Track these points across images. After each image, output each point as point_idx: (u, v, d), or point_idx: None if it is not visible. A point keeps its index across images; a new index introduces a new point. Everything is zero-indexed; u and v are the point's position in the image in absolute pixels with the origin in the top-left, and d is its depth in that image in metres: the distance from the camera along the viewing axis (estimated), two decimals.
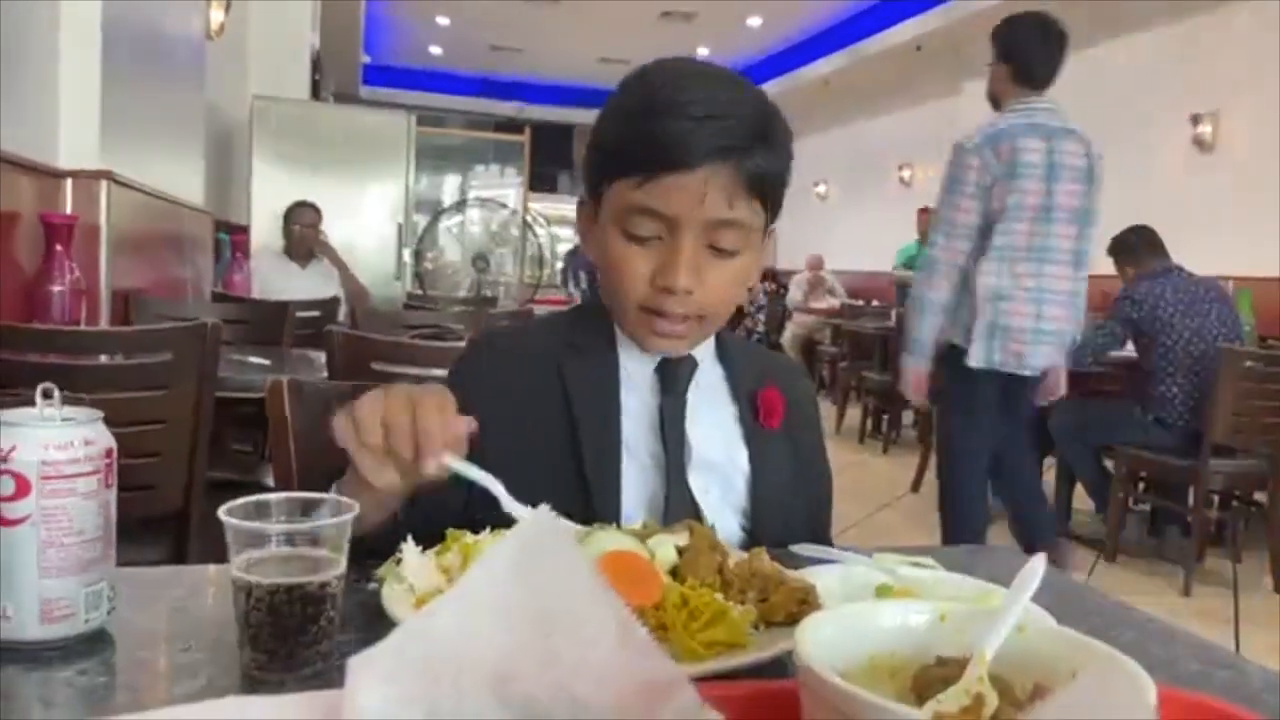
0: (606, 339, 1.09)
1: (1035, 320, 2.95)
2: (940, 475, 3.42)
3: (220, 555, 0.71)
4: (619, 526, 0.89)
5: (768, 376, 1.15)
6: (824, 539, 1.17)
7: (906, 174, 10.71)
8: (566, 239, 12.37)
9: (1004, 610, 0.57)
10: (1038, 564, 0.61)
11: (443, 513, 0.97)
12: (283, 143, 5.94)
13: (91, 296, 2.98)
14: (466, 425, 0.82)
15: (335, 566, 0.69)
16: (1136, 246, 4.16)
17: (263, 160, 5.89)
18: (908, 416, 6.75)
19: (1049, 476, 4.70)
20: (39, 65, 2.86)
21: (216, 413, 2.04)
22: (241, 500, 0.70)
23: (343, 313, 4.33)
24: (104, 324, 3.09)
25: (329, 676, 0.67)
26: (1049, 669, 0.54)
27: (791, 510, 1.13)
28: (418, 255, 7.31)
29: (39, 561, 0.69)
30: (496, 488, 0.82)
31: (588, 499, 1.00)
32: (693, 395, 1.08)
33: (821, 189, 12.47)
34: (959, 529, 3.25)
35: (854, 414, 7.12)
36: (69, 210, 2.97)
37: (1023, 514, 3.34)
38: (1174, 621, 0.92)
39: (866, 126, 11.47)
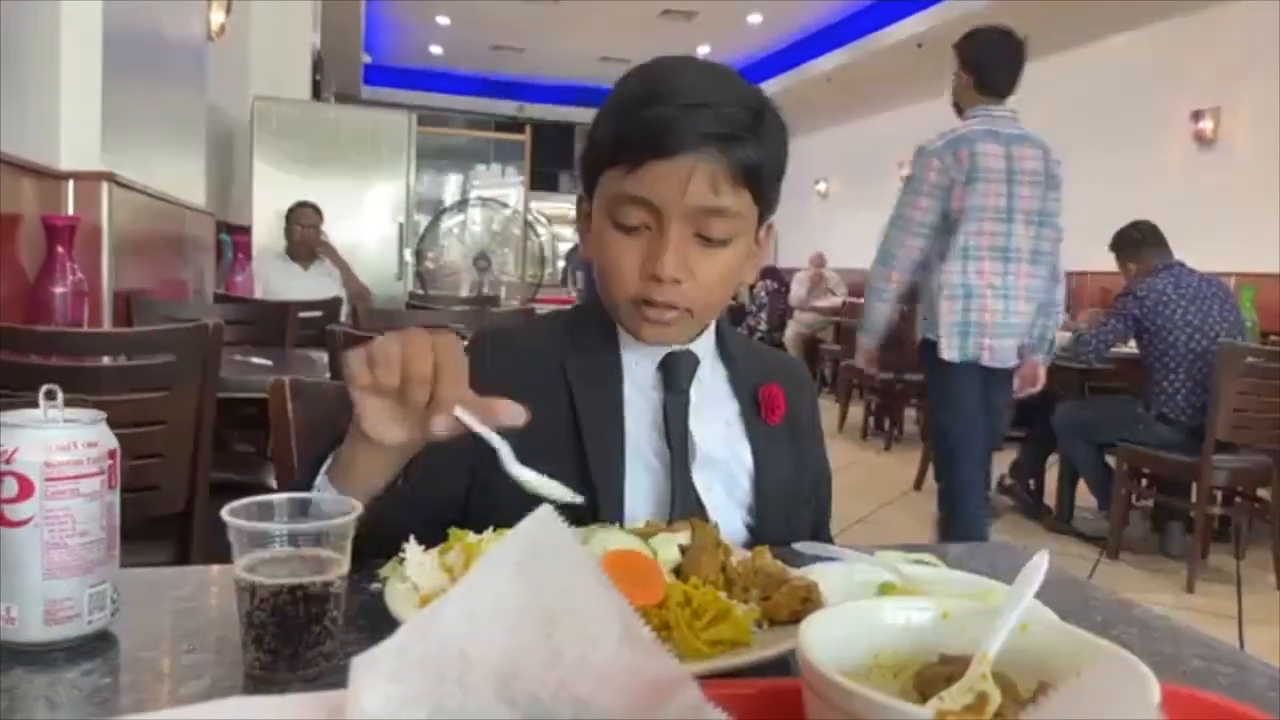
0: (609, 336, 1.09)
1: (1003, 315, 3.13)
2: (937, 473, 3.46)
3: (223, 556, 0.71)
4: (621, 525, 0.90)
5: (769, 373, 1.16)
6: (825, 537, 1.17)
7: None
8: (568, 238, 12.36)
9: (1007, 607, 0.57)
10: (1041, 561, 0.61)
11: (443, 499, 0.97)
12: (284, 143, 5.94)
13: (93, 298, 2.98)
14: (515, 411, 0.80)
15: (338, 566, 0.69)
16: (1139, 242, 4.16)
17: (264, 161, 5.89)
18: (910, 414, 6.76)
19: (1052, 474, 4.71)
20: (40, 67, 2.87)
21: (219, 413, 2.04)
22: (244, 501, 0.70)
23: (345, 313, 4.33)
24: (106, 325, 3.09)
25: (333, 676, 0.67)
26: (1052, 666, 0.54)
27: (795, 506, 1.13)
28: (419, 255, 7.31)
29: (43, 563, 0.69)
30: (503, 449, 0.81)
31: (591, 496, 1.00)
32: (695, 392, 1.08)
33: (823, 187, 12.47)
34: (963, 523, 3.29)
35: (856, 412, 7.12)
36: (70, 212, 2.97)
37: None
38: (1177, 618, 0.92)
39: (868, 124, 11.46)
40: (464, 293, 7.37)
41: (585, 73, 13.54)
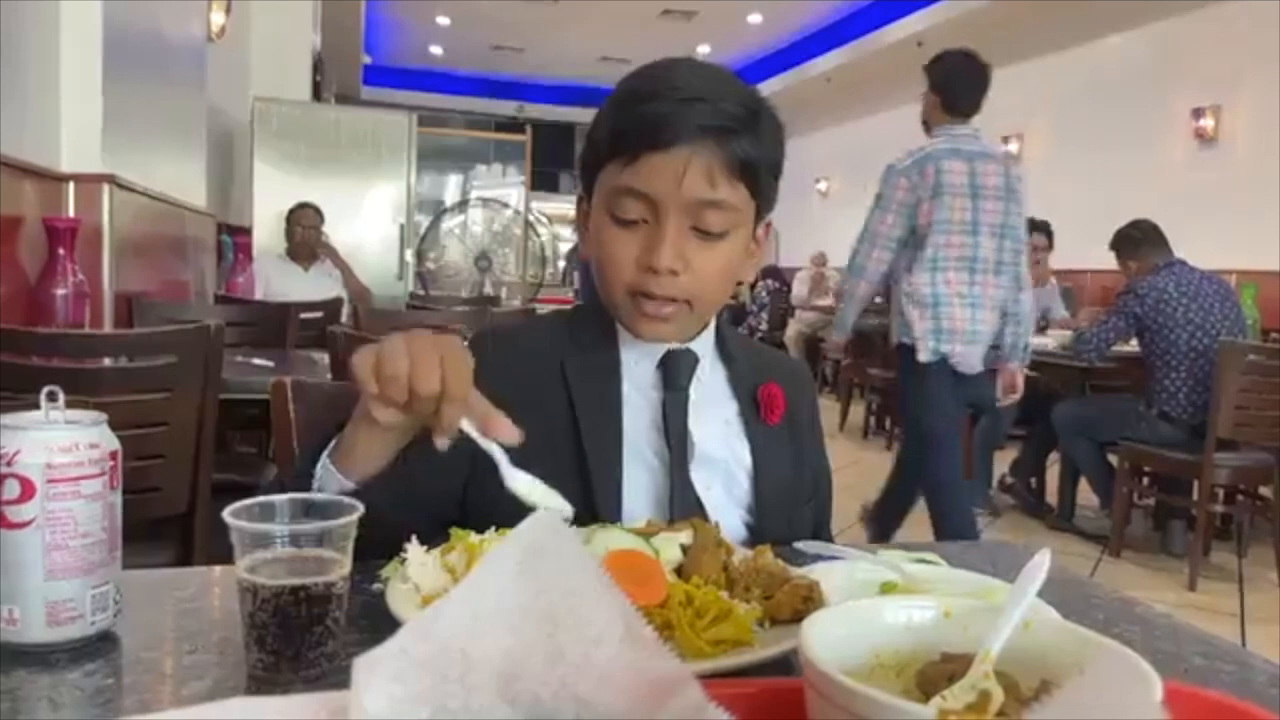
0: (608, 336, 1.09)
1: (970, 323, 3.31)
2: (922, 472, 3.52)
3: (225, 556, 0.71)
4: (620, 525, 0.90)
5: (769, 373, 1.16)
6: (826, 536, 1.17)
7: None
8: (568, 238, 12.37)
9: (1009, 606, 0.57)
10: (1042, 559, 0.61)
11: (441, 490, 0.97)
12: (284, 144, 5.94)
13: (94, 299, 2.98)
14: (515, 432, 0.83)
15: (340, 567, 0.69)
16: (1139, 241, 4.15)
17: (264, 162, 5.89)
18: None
19: (1053, 472, 4.71)
20: (40, 69, 2.87)
21: (220, 414, 2.04)
22: (246, 502, 0.70)
23: (346, 313, 4.33)
24: (107, 327, 3.09)
25: (335, 677, 0.67)
26: (1055, 665, 0.54)
27: (794, 505, 1.14)
28: (420, 255, 7.31)
29: (45, 564, 0.69)
30: (500, 458, 0.82)
31: (589, 494, 1.00)
32: (694, 391, 1.08)
33: (823, 186, 12.47)
34: (950, 518, 3.40)
35: (857, 411, 7.11)
36: (71, 214, 2.97)
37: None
38: (1179, 616, 0.92)
39: (868, 123, 11.45)
40: (465, 293, 7.38)
41: (585, 73, 13.54)
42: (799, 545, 0.94)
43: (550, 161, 14.05)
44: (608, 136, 1.01)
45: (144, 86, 3.63)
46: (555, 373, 1.06)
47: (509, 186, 9.65)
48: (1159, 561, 4.08)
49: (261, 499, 0.71)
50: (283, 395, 1.26)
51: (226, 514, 0.68)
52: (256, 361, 2.69)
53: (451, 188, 10.23)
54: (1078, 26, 8.10)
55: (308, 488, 0.89)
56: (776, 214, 1.14)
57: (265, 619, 0.66)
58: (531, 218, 8.94)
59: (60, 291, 2.75)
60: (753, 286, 10.11)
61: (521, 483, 0.82)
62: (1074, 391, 4.64)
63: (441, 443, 0.81)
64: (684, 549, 0.82)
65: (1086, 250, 5.26)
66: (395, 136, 6.30)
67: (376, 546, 0.84)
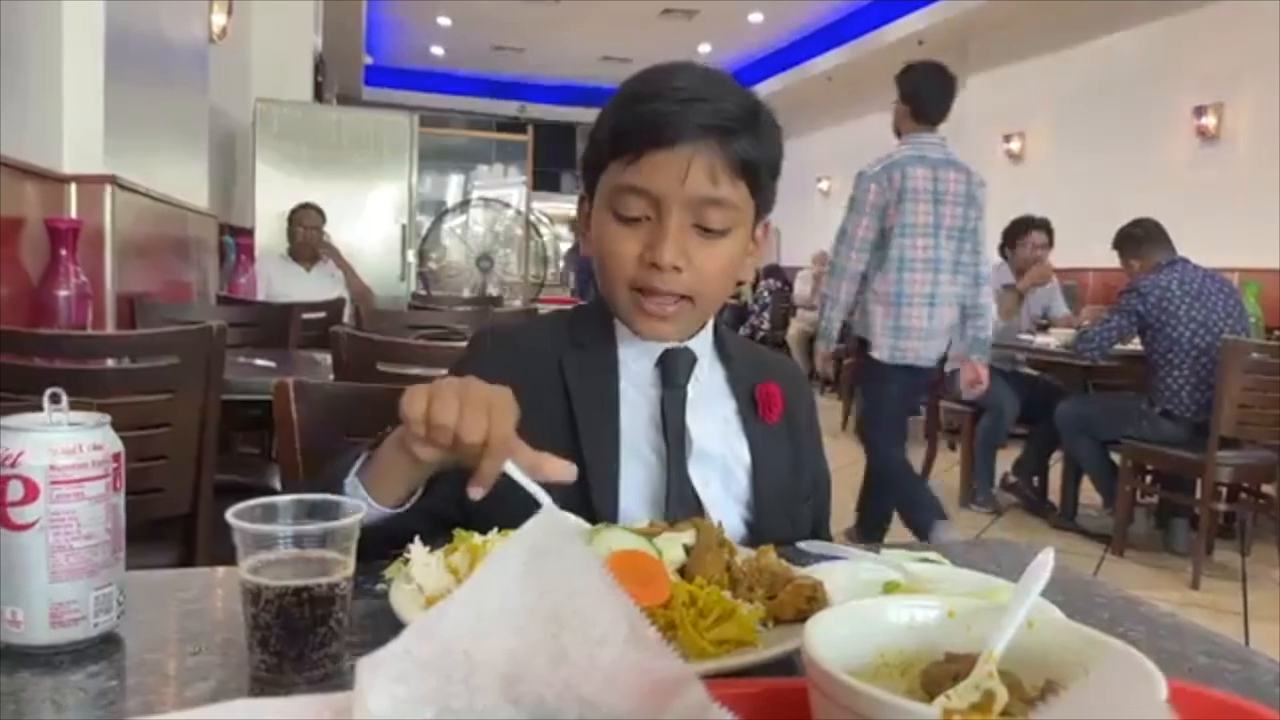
0: (606, 334, 1.11)
1: (928, 320, 3.52)
2: (874, 461, 3.71)
3: (229, 557, 0.71)
4: (623, 525, 0.90)
5: (767, 373, 1.17)
6: (824, 537, 1.18)
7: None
8: (569, 238, 12.39)
9: (1013, 605, 0.57)
10: (1046, 558, 0.61)
11: (444, 495, 0.97)
12: (286, 145, 5.95)
13: (97, 301, 2.98)
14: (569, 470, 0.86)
15: (343, 568, 0.69)
16: (1141, 240, 4.15)
17: (266, 163, 5.90)
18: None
19: (1056, 471, 4.71)
20: (43, 71, 2.87)
21: (223, 415, 2.04)
22: (249, 503, 0.70)
23: (348, 314, 4.33)
24: (109, 328, 3.10)
25: (339, 678, 0.67)
26: (1059, 664, 0.54)
27: (794, 503, 1.14)
28: (422, 256, 7.32)
29: (48, 566, 0.69)
30: (545, 500, 0.83)
31: (586, 491, 1.00)
32: (693, 389, 1.09)
33: (825, 185, 12.46)
34: (911, 503, 3.65)
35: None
36: (74, 215, 2.97)
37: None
38: (1183, 615, 0.91)
39: (869, 122, 11.42)
40: (466, 293, 7.38)
41: (587, 72, 13.55)
42: (802, 545, 0.94)
43: (552, 161, 14.06)
44: (610, 136, 1.02)
45: (146, 88, 3.63)
46: (554, 370, 1.07)
47: (510, 186, 9.65)
48: (1162, 560, 4.08)
49: (264, 500, 0.71)
50: (285, 396, 1.26)
51: (230, 515, 0.68)
52: (259, 362, 2.70)
53: (453, 188, 10.24)
54: (1078, 25, 8.09)
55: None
56: (778, 213, 1.15)
57: (269, 620, 0.66)
58: (533, 218, 8.94)
59: (62, 293, 2.75)
60: (754, 286, 10.12)
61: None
62: (1076, 390, 4.64)
63: (476, 492, 0.83)
64: (687, 549, 0.82)
65: (1088, 248, 5.25)
66: (397, 137, 6.30)
67: (379, 548, 0.85)
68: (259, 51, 6.58)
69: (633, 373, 1.09)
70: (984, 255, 3.65)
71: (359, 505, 0.72)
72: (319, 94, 8.09)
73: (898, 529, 4.14)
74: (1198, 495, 3.91)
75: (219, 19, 5.28)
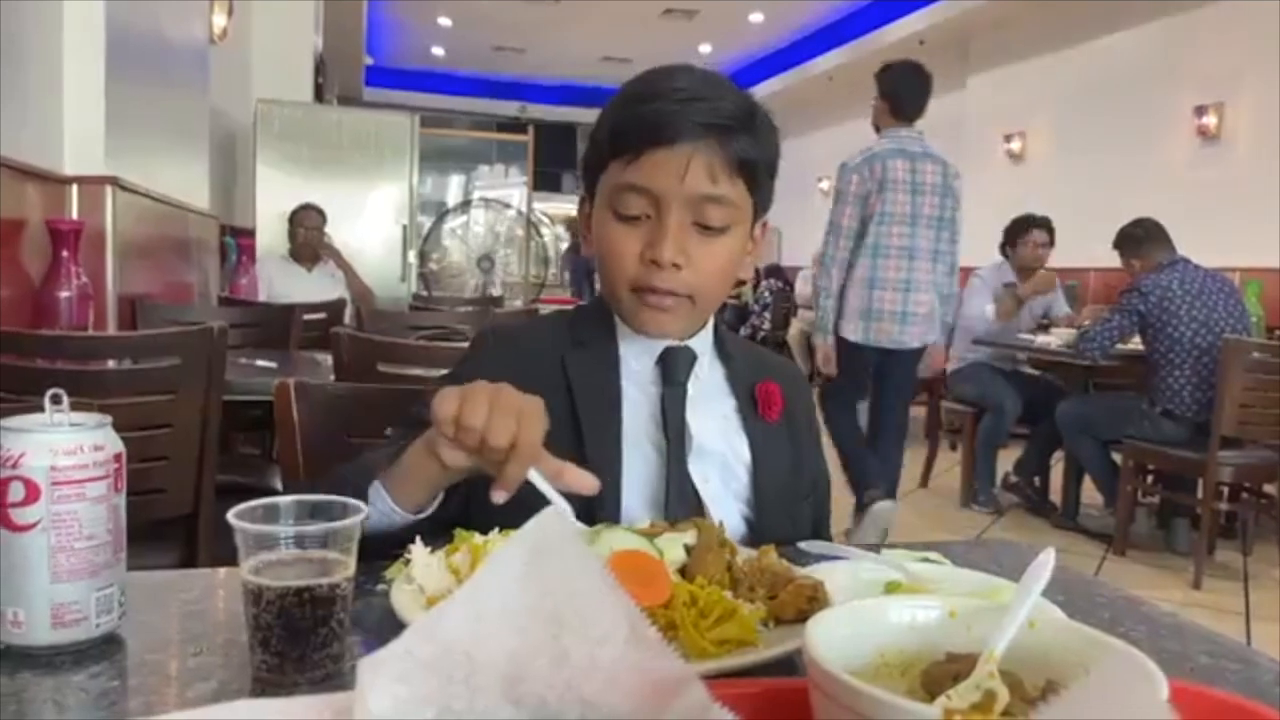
0: (608, 333, 1.12)
1: (902, 305, 3.72)
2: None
3: (230, 558, 0.71)
4: (624, 526, 0.90)
5: (766, 372, 1.18)
6: (824, 537, 1.18)
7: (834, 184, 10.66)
8: (568, 238, 12.39)
9: (1014, 605, 0.57)
10: (1047, 558, 0.61)
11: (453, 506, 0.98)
12: (287, 146, 5.95)
13: (98, 302, 2.98)
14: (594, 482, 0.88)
15: (345, 568, 0.69)
16: (1141, 239, 4.15)
17: (267, 164, 5.90)
18: (914, 412, 6.74)
19: (1057, 471, 4.70)
20: (43, 72, 2.87)
21: (224, 416, 2.04)
22: (251, 503, 0.70)
23: (349, 314, 4.34)
24: (111, 329, 3.10)
25: (340, 679, 0.67)
26: (1060, 664, 0.54)
27: (794, 502, 1.15)
28: (423, 256, 7.32)
29: (50, 566, 0.70)
30: (566, 511, 0.84)
31: None
32: (693, 387, 1.10)
33: (825, 185, 12.44)
34: (853, 464, 3.88)
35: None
36: (75, 216, 2.97)
37: (874, 458, 3.96)
38: (1184, 615, 0.91)
39: (870, 122, 11.45)
40: (468, 294, 7.38)
41: (587, 72, 13.55)
42: (803, 545, 0.94)
43: (552, 162, 14.06)
44: (610, 136, 1.04)
45: (147, 89, 3.63)
46: (556, 369, 1.09)
47: (511, 187, 9.66)
48: (1164, 560, 4.08)
49: (266, 500, 0.71)
50: (286, 396, 1.26)
51: (231, 516, 0.68)
52: (260, 363, 2.69)
53: (454, 188, 10.24)
54: (1078, 25, 8.09)
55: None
56: (779, 213, 1.16)
57: (270, 621, 0.66)
58: (534, 218, 8.94)
59: (64, 294, 2.75)
60: (755, 286, 10.12)
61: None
62: (1078, 390, 4.64)
63: (500, 496, 0.84)
64: (688, 549, 0.82)
65: (1089, 248, 5.25)
66: (397, 137, 6.30)
67: (383, 549, 0.85)
68: (259, 52, 6.58)
69: (633, 371, 1.10)
70: (960, 245, 3.85)
71: (360, 506, 0.72)
72: (319, 95, 8.09)
73: (898, 530, 4.14)
74: (1199, 495, 3.91)
75: (219, 20, 5.28)
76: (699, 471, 1.07)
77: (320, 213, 4.96)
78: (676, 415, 1.07)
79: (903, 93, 3.77)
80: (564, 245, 12.53)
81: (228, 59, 5.59)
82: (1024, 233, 4.89)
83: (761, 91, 11.25)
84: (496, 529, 0.84)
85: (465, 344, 2.37)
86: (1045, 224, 4.89)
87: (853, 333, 3.76)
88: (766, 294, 10.08)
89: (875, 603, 0.63)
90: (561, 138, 14.72)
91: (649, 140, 1.00)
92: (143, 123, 3.56)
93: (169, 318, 3.23)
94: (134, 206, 3.31)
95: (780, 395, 1.14)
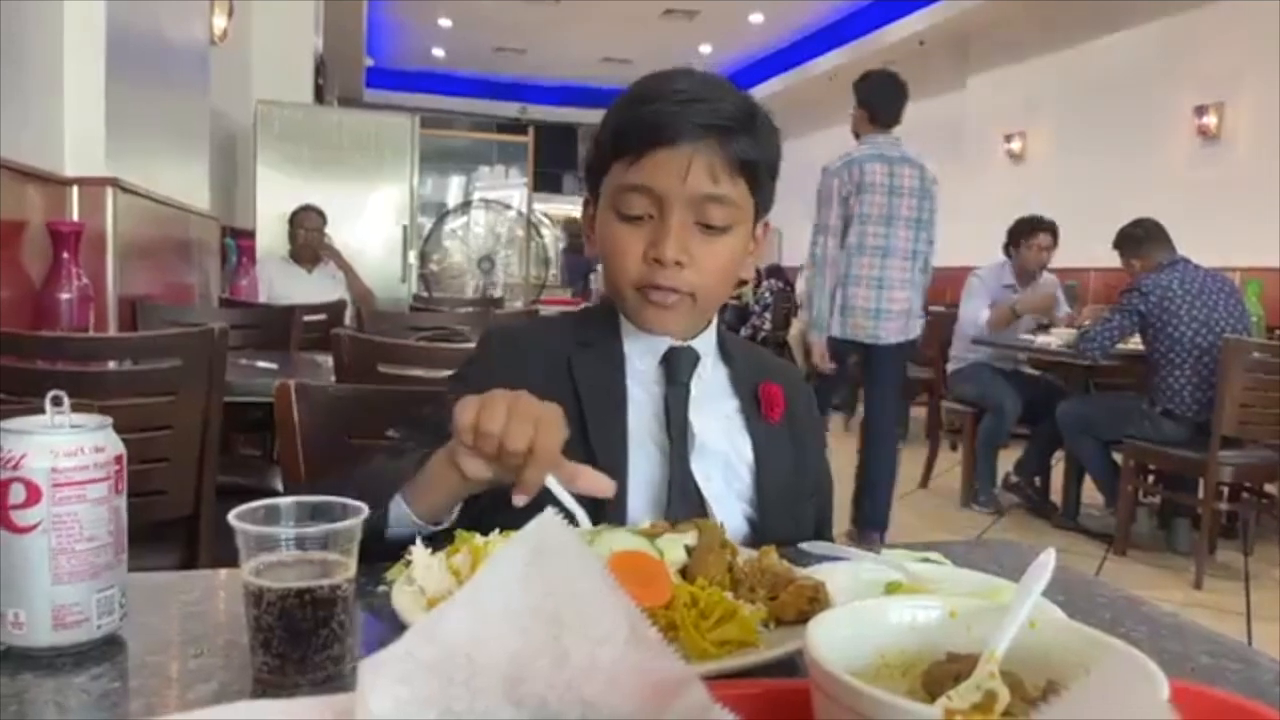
0: (613, 333, 1.13)
1: (876, 301, 3.86)
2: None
3: (231, 559, 0.71)
4: (625, 526, 0.90)
5: (768, 373, 1.19)
6: (827, 537, 1.18)
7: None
8: (567, 239, 12.40)
9: (1014, 605, 0.57)
10: (1047, 558, 0.61)
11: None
12: (287, 147, 5.95)
13: (99, 303, 2.98)
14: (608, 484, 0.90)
15: (346, 570, 0.69)
16: (1142, 240, 4.15)
17: (267, 165, 5.90)
18: (915, 412, 6.75)
19: (1058, 471, 4.70)
20: (44, 73, 2.87)
21: (225, 417, 2.04)
22: (252, 505, 0.70)
23: (349, 316, 4.34)
24: (111, 331, 3.10)
25: (341, 680, 0.67)
26: (1061, 664, 0.54)
27: (797, 502, 1.15)
28: (423, 257, 7.32)
29: (50, 568, 0.70)
30: (582, 519, 0.86)
31: None
32: (696, 388, 1.11)
33: None
34: None
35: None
36: (75, 218, 2.97)
37: (868, 489, 3.98)
38: (1185, 615, 0.91)
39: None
40: (468, 295, 7.38)
41: (587, 73, 13.55)
42: (804, 546, 0.94)
43: (552, 162, 14.05)
44: (613, 137, 1.05)
45: (147, 90, 3.63)
46: (562, 369, 1.10)
47: (511, 188, 9.65)
48: (1164, 560, 4.08)
49: (267, 502, 0.71)
50: (287, 398, 1.26)
51: (232, 517, 0.68)
52: (260, 364, 2.69)
53: (454, 189, 10.23)
54: (1078, 25, 8.09)
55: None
56: (779, 213, 1.16)
57: (271, 622, 0.66)
58: (534, 219, 8.94)
59: (64, 295, 2.75)
60: (756, 287, 10.11)
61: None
62: (1078, 390, 4.63)
63: (520, 500, 0.85)
64: (689, 550, 0.82)
65: (1089, 248, 5.25)
66: (398, 138, 6.30)
67: (382, 549, 0.85)
68: (260, 53, 6.58)
69: (638, 371, 1.11)
70: (936, 245, 4.03)
71: (360, 507, 0.72)
72: (320, 96, 8.09)
73: (899, 530, 4.14)
74: (1200, 495, 3.91)
75: (220, 21, 5.28)
76: (701, 471, 1.08)
77: (321, 214, 4.96)
78: (680, 415, 1.08)
79: (879, 101, 3.91)
80: (563, 246, 12.54)
81: (228, 60, 5.59)
82: (1029, 235, 4.87)
83: (762, 92, 11.25)
84: (497, 530, 0.84)
85: (466, 345, 2.37)
86: (1051, 228, 4.88)
87: (832, 327, 3.93)
88: (767, 294, 10.07)
89: (876, 603, 0.63)
90: (562, 139, 14.72)
91: (651, 141, 1.01)
92: (143, 124, 3.56)
93: (169, 319, 3.23)
94: (134, 208, 3.31)
95: (782, 396, 1.15)
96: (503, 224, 8.12)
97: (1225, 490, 4.22)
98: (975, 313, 4.88)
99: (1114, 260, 4.32)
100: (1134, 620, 0.88)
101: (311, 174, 5.94)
